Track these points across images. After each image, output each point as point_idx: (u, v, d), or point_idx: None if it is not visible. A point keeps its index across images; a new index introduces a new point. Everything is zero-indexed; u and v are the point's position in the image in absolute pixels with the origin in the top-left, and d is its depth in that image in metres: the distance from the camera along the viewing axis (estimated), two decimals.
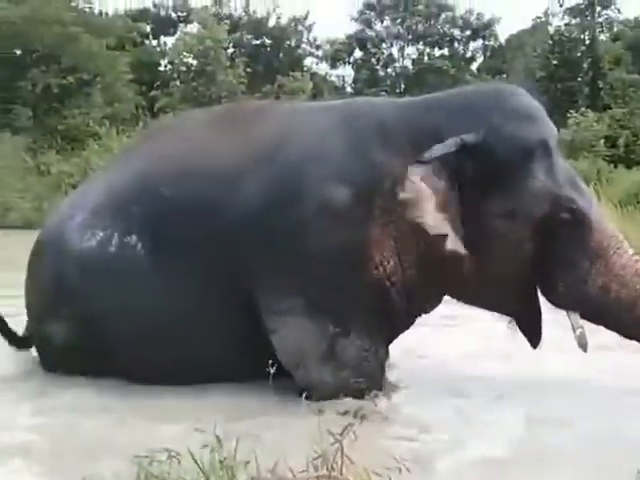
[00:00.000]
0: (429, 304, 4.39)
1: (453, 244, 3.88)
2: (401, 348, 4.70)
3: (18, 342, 4.86)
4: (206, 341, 4.24)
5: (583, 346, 4.00)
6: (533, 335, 4.24)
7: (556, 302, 4.13)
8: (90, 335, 4.40)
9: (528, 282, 4.11)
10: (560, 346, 4.29)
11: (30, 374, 4.65)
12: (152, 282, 4.27)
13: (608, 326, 4.12)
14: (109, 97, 21.99)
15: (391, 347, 4.61)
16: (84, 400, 4.13)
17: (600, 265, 4.00)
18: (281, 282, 4.09)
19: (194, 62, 22.54)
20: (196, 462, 2.25)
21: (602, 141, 19.22)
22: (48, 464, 3.30)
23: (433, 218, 3.87)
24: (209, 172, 4.29)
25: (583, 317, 4.08)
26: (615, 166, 18.07)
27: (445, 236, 3.87)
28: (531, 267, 4.05)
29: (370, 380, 4.09)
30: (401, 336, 4.49)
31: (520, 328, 4.26)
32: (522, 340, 4.23)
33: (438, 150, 3.92)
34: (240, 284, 4.11)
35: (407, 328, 4.49)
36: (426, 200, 3.88)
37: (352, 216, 4.01)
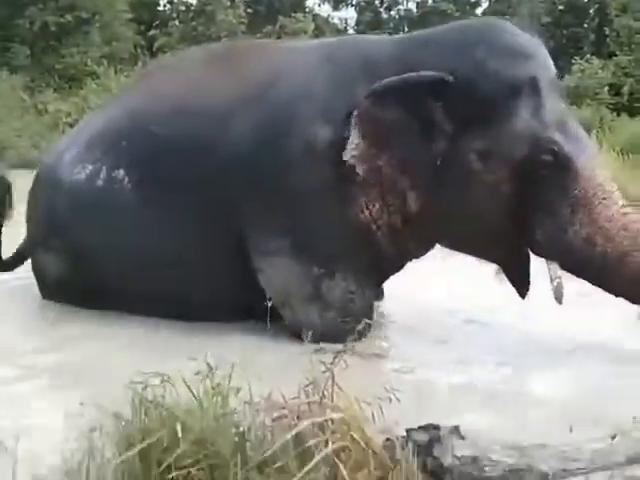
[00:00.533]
0: (418, 249, 4.36)
1: (366, 174, 3.84)
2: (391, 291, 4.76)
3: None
4: (194, 279, 4.26)
5: (559, 298, 3.85)
6: (520, 285, 4.10)
7: (535, 250, 3.97)
8: (79, 268, 4.45)
9: (509, 227, 3.91)
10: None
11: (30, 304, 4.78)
12: (139, 218, 4.29)
13: (592, 281, 3.92)
14: (107, 36, 21.66)
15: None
16: (84, 329, 4.22)
17: (583, 215, 3.77)
18: (269, 222, 4.09)
19: (194, 1, 22.14)
20: (189, 387, 2.27)
21: (606, 89, 18.99)
22: (47, 388, 3.37)
23: (356, 147, 3.82)
24: (201, 111, 4.27)
25: (566, 269, 3.90)
26: (618, 114, 17.87)
27: (355, 165, 3.83)
28: (512, 211, 3.86)
29: (357, 321, 4.10)
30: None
31: (507, 277, 4.15)
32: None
33: (388, 83, 3.81)
34: (231, 223, 4.12)
35: (396, 271, 4.49)
36: (366, 132, 3.81)
37: (338, 157, 3.94)
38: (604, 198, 3.78)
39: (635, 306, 3.93)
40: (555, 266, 3.88)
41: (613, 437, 2.52)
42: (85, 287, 4.44)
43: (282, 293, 4.11)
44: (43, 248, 4.72)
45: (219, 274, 4.23)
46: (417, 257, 4.46)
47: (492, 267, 4.26)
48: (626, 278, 3.75)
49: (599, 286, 3.94)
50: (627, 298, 3.90)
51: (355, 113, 3.82)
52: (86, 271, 4.45)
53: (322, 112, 4.04)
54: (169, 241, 4.26)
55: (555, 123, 3.86)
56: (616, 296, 3.90)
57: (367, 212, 4.03)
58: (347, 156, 3.87)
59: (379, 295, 4.84)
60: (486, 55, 3.86)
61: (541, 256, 3.95)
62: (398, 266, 4.48)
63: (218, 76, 4.43)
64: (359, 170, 3.87)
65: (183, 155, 4.21)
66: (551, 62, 4.09)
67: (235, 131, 4.16)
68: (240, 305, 4.16)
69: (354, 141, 3.84)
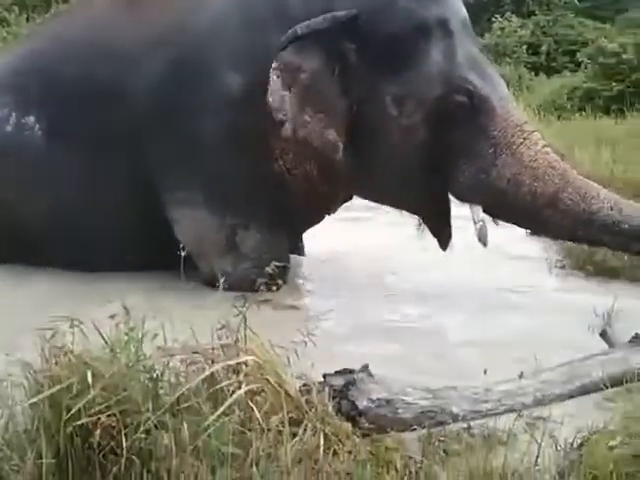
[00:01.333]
0: (334, 201, 4.32)
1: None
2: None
3: None
4: (106, 229, 4.15)
5: (483, 240, 3.79)
6: (442, 235, 4.02)
7: (458, 195, 3.88)
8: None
9: (428, 174, 3.81)
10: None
11: None
12: (51, 165, 4.14)
13: (520, 222, 3.90)
14: None
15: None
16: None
17: (506, 156, 3.67)
18: (179, 172, 4.01)
19: None
20: (100, 332, 2.23)
21: (525, 47, 19.28)
22: None
23: (279, 98, 3.69)
24: (111, 54, 4.13)
25: (491, 213, 3.82)
26: (536, 74, 18.22)
27: (284, 119, 3.70)
28: (430, 157, 3.77)
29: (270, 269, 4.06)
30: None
31: (429, 228, 4.08)
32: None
33: (306, 26, 3.69)
34: (143, 171, 4.02)
35: (314, 224, 4.48)
36: (288, 79, 3.67)
37: (251, 105, 3.83)
38: (525, 138, 3.71)
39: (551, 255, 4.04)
40: (478, 209, 3.79)
41: (520, 376, 2.60)
42: (5, 238, 4.29)
43: (196, 244, 4.01)
44: None
45: (131, 223, 4.12)
46: (334, 210, 4.45)
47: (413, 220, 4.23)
48: (562, 215, 3.63)
49: (529, 227, 3.96)
50: (562, 237, 3.93)
51: (275, 63, 3.68)
52: (2, 222, 4.28)
53: (234, 58, 3.94)
54: (81, 189, 4.14)
55: (468, 64, 3.79)
56: (549, 236, 3.96)
57: (281, 161, 3.97)
58: (275, 111, 3.72)
59: (300, 250, 4.82)
60: None
61: (464, 201, 3.86)
62: (315, 219, 4.46)
63: (128, 18, 4.29)
64: (289, 125, 3.73)
65: (93, 99, 4.09)
66: (462, 5, 4.02)
67: (145, 75, 4.03)
68: (152, 254, 4.06)
69: (278, 93, 3.69)
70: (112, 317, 2.28)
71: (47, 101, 4.21)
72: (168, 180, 4.03)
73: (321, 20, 3.68)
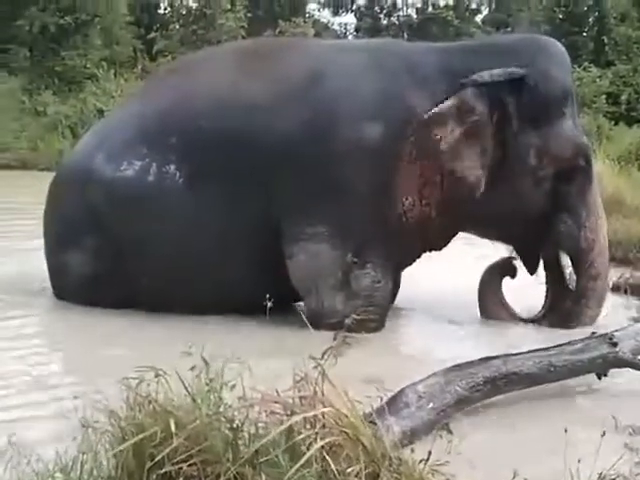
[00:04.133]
0: (440, 241, 4.58)
1: (476, 184, 4.12)
2: None
3: None
4: (238, 272, 4.35)
5: (571, 283, 4.52)
6: (531, 265, 4.57)
7: (554, 240, 4.43)
8: (121, 266, 4.43)
9: (541, 219, 4.36)
10: None
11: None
12: (191, 213, 4.36)
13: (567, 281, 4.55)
14: (107, 39, 21.66)
15: None
16: (82, 323, 4.27)
17: (593, 222, 4.39)
18: (308, 210, 4.24)
19: (194, 5, 22.14)
20: (183, 383, 2.29)
21: (604, 97, 19.04)
22: (42, 383, 3.39)
23: (449, 132, 4.08)
24: (244, 106, 4.37)
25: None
26: (616, 123, 17.93)
27: (472, 176, 4.11)
28: (546, 205, 4.32)
29: (378, 311, 4.24)
30: None
31: (520, 257, 4.61)
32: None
33: (486, 76, 4.11)
34: (272, 215, 4.25)
35: (412, 263, 4.69)
36: (461, 116, 4.08)
37: (381, 153, 4.19)
38: (600, 215, 4.44)
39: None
40: (566, 257, 4.46)
41: None
42: (124, 285, 4.43)
43: (311, 278, 4.25)
44: (74, 247, 4.64)
45: (256, 266, 4.34)
46: (438, 250, 4.65)
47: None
48: (597, 295, 4.44)
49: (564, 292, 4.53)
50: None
51: (454, 102, 4.08)
52: (129, 269, 4.44)
53: (370, 110, 4.25)
54: (214, 234, 4.34)
55: (584, 130, 4.48)
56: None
57: (401, 205, 4.25)
58: (442, 143, 4.10)
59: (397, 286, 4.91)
60: (546, 63, 4.28)
61: (555, 248, 4.47)
62: (416, 258, 4.64)
63: (254, 72, 4.53)
64: (448, 158, 4.12)
65: (230, 148, 4.31)
66: None
67: (280, 125, 4.29)
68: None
69: (450, 127, 4.10)
70: (193, 368, 2.33)
71: (187, 151, 4.42)
72: (296, 217, 4.24)
73: (500, 73, 4.13)
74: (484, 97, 4.11)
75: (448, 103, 4.09)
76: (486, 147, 4.13)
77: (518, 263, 4.68)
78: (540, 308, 4.60)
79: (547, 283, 4.59)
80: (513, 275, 4.72)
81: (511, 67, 4.16)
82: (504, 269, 4.72)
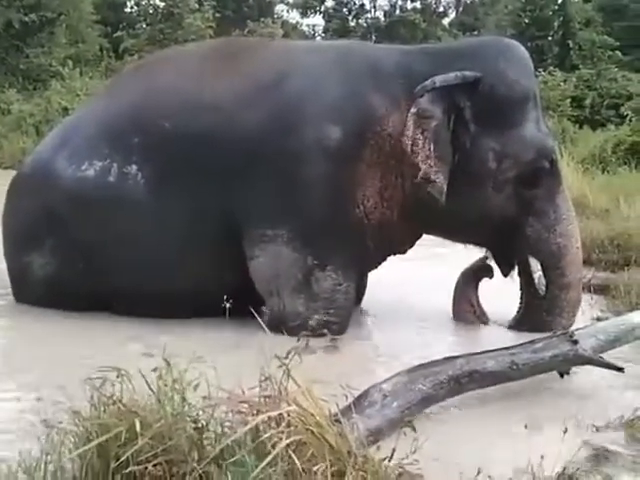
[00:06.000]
0: (404, 245, 4.58)
1: (438, 189, 4.08)
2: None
3: None
4: (202, 273, 4.31)
5: (539, 288, 4.33)
6: (505, 266, 4.52)
7: (522, 244, 4.35)
8: (81, 267, 4.37)
9: (506, 222, 4.30)
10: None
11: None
12: (152, 213, 4.29)
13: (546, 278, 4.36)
14: (73, 37, 21.46)
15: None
16: (45, 326, 4.22)
17: (564, 225, 4.32)
18: (268, 211, 4.21)
19: (161, 4, 22.01)
20: (147, 383, 2.28)
21: (568, 101, 19.29)
22: (3, 384, 3.37)
23: (413, 141, 4.05)
24: (207, 106, 4.33)
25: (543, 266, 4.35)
26: (580, 127, 18.18)
27: (432, 181, 4.06)
28: (510, 209, 4.27)
29: (339, 314, 4.24)
30: None
31: (494, 259, 4.57)
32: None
33: (440, 80, 4.08)
34: (234, 216, 4.21)
35: (377, 267, 4.67)
36: (422, 123, 4.05)
37: (342, 155, 4.16)
38: (572, 221, 4.40)
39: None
40: (536, 261, 4.34)
41: None
42: (85, 287, 4.36)
43: (272, 279, 4.23)
44: (34, 249, 4.56)
45: (217, 268, 4.30)
46: (402, 253, 4.66)
47: None
48: (569, 305, 4.37)
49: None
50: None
51: (414, 109, 4.06)
52: (89, 271, 4.37)
53: (332, 112, 4.23)
54: (176, 235, 4.30)
55: (548, 132, 4.37)
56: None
57: (362, 207, 4.22)
58: (411, 153, 4.08)
59: (362, 289, 4.94)
60: (505, 66, 4.25)
61: (524, 252, 4.37)
62: (379, 262, 4.64)
63: (220, 71, 4.49)
64: (422, 165, 4.06)
65: (193, 149, 4.27)
66: None
67: (243, 124, 4.25)
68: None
69: (414, 136, 4.06)
70: (155, 369, 2.33)
71: (149, 151, 4.35)
72: (255, 218, 4.21)
73: (454, 76, 4.10)
74: (440, 101, 4.08)
75: (411, 110, 4.08)
76: (445, 151, 4.10)
77: (493, 265, 4.65)
78: (514, 313, 4.54)
79: (520, 288, 4.52)
80: (489, 277, 4.69)
81: (467, 70, 4.13)
82: (479, 272, 4.70)
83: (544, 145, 4.28)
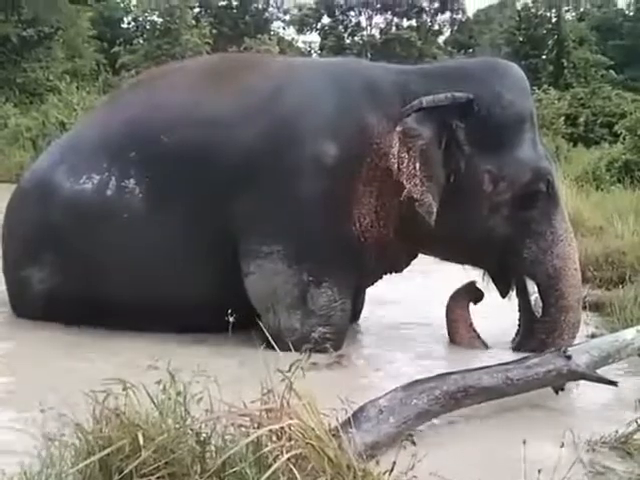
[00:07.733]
0: (400, 263, 4.59)
1: (425, 209, 4.06)
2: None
3: None
4: (199, 288, 4.32)
5: (536, 309, 4.35)
6: (502, 287, 4.46)
7: (518, 265, 4.32)
8: (79, 281, 4.38)
9: (502, 243, 4.28)
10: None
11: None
12: (150, 228, 4.31)
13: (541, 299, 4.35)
14: (70, 52, 21.57)
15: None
16: (47, 338, 4.24)
17: (561, 247, 4.25)
18: (264, 227, 4.23)
19: (159, 20, 22.16)
20: (150, 396, 2.30)
21: (562, 119, 19.45)
22: (6, 396, 3.37)
23: (398, 160, 4.04)
24: (205, 122, 4.36)
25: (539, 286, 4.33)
26: (574, 144, 18.33)
27: (417, 200, 4.04)
28: (506, 230, 4.24)
29: (335, 330, 4.26)
30: None
31: (492, 280, 4.50)
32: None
33: (427, 100, 4.08)
34: (230, 232, 4.22)
35: (373, 283, 4.71)
36: (407, 143, 4.04)
37: (338, 172, 4.17)
38: (570, 243, 4.31)
39: None
40: (532, 283, 4.33)
41: None
42: (85, 301, 4.35)
43: (268, 297, 4.24)
44: (33, 263, 4.58)
45: (207, 280, 4.31)
46: (399, 271, 4.67)
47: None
48: (569, 327, 4.25)
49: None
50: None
51: (399, 128, 4.05)
52: (88, 285, 4.39)
53: (329, 129, 4.26)
54: (173, 249, 4.32)
55: (545, 154, 4.33)
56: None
57: (358, 224, 4.25)
58: (397, 171, 4.07)
59: (359, 306, 4.98)
60: (501, 89, 4.24)
61: (521, 274, 4.35)
62: (376, 279, 4.67)
63: (217, 87, 4.52)
64: (406, 183, 4.06)
65: (190, 164, 4.29)
66: None
67: (240, 139, 4.27)
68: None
69: (399, 155, 4.06)
70: (159, 382, 2.36)
71: (147, 165, 4.37)
72: (252, 234, 4.23)
73: (443, 97, 4.09)
74: (429, 122, 4.06)
75: (397, 128, 4.08)
76: (436, 171, 4.09)
77: (484, 286, 4.57)
78: (514, 335, 4.49)
79: (519, 310, 4.48)
80: (479, 299, 4.62)
81: (463, 91, 4.13)
82: (469, 294, 4.63)
83: (540, 167, 4.24)
